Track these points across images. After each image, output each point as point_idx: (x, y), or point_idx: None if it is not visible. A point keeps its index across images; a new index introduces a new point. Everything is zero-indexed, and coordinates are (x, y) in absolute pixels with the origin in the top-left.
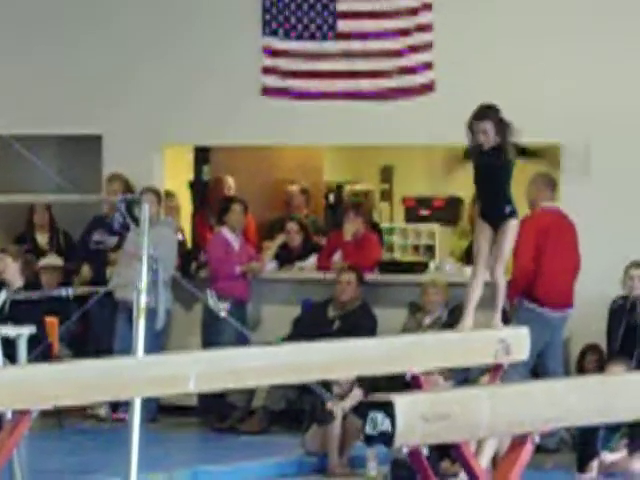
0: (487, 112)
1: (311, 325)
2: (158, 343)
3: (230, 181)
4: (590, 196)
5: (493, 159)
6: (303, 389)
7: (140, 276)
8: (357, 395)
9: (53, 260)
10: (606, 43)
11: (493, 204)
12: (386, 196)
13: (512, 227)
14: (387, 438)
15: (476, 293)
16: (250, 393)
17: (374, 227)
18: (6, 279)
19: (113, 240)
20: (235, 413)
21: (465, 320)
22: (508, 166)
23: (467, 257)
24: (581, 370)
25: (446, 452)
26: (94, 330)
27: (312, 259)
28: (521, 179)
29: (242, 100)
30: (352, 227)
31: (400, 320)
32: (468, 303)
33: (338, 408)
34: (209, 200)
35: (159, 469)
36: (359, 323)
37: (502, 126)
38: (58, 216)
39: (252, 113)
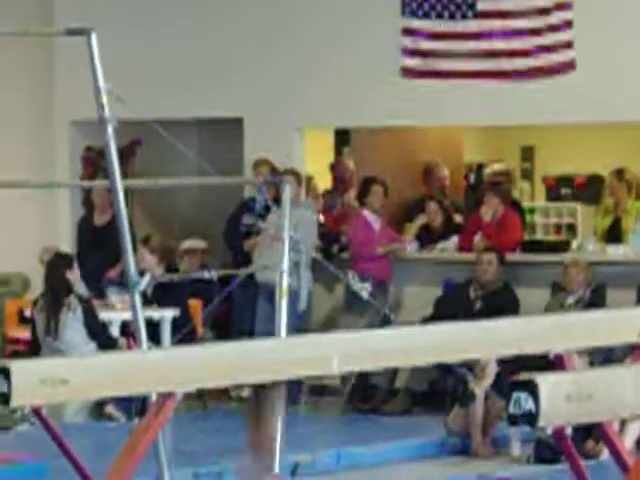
0: None
1: (452, 305)
2: (300, 324)
3: (351, 165)
4: None
5: None
6: (445, 370)
7: (282, 258)
8: (493, 370)
9: (195, 243)
10: None
11: None
12: (527, 175)
13: None
14: (531, 418)
15: None
16: (392, 374)
17: (516, 206)
18: (144, 269)
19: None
20: (378, 394)
21: None
22: None
23: (609, 236)
24: None
25: (590, 432)
26: (236, 312)
27: (454, 239)
28: None
29: (381, 81)
30: (489, 208)
31: (542, 300)
32: None
33: (480, 388)
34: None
35: (302, 450)
36: (501, 303)
37: None
38: (201, 200)
39: (391, 94)
